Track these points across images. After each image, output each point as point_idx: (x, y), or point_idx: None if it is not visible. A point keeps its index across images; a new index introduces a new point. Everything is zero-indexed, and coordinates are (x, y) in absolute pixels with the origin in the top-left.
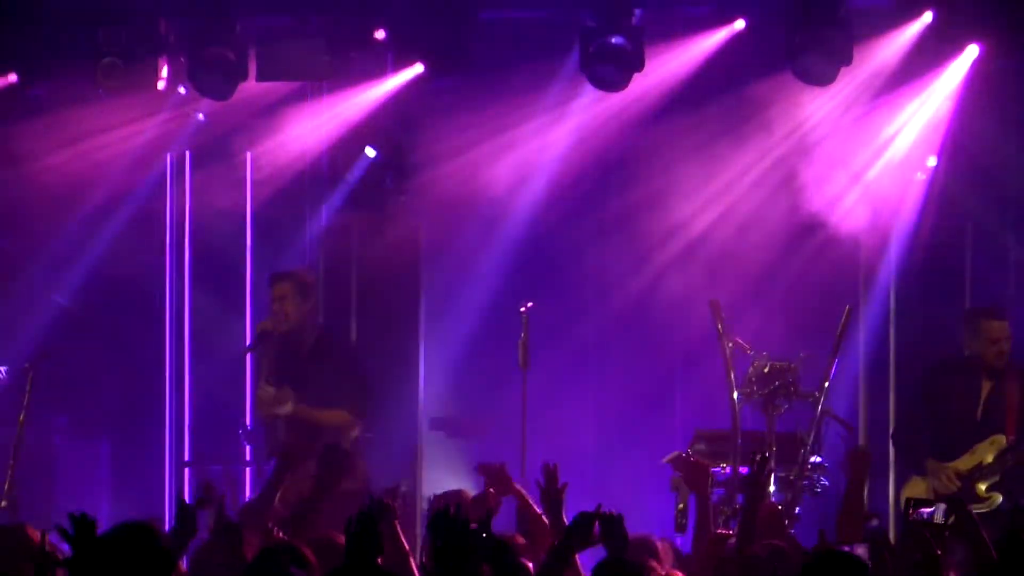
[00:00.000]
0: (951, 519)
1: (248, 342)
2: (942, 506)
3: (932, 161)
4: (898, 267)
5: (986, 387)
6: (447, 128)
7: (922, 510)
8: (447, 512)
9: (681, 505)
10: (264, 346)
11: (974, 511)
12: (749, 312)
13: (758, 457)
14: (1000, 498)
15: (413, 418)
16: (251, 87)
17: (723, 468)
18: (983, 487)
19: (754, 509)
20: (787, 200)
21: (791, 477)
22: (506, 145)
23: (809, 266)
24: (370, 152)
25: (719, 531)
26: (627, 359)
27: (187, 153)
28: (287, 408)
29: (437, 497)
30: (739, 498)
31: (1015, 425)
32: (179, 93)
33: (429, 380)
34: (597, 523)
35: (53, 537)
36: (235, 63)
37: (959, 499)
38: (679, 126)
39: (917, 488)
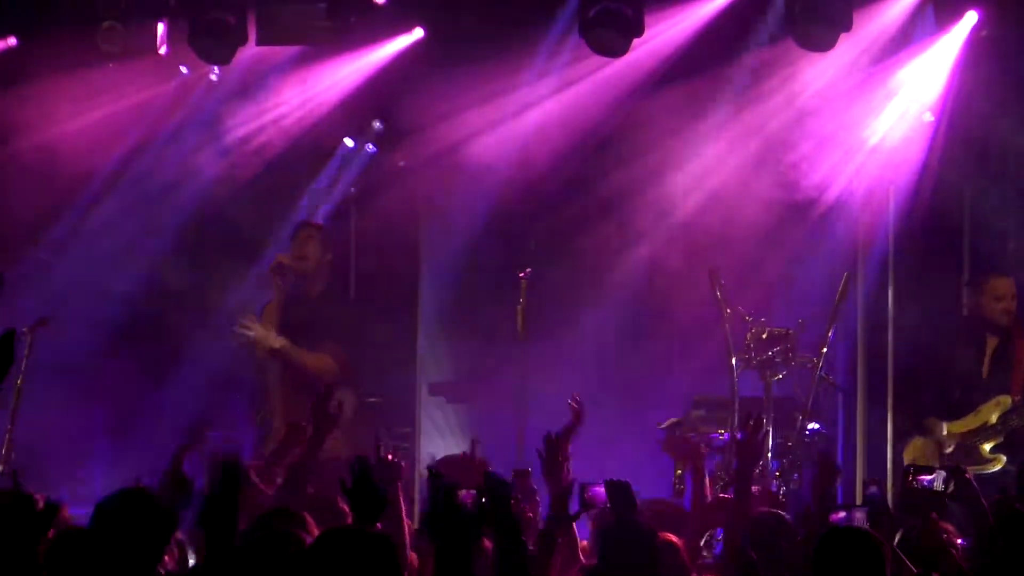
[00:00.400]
0: (951, 486)
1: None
2: (942, 473)
3: (928, 116)
4: (896, 232)
5: (991, 345)
6: (445, 93)
7: (922, 477)
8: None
9: (679, 471)
10: (279, 279)
11: (978, 472)
12: (748, 280)
13: (752, 421)
14: (1004, 459)
15: (411, 383)
16: (251, 51)
17: (721, 434)
18: (987, 448)
19: (748, 473)
20: (785, 168)
21: (788, 443)
22: (505, 110)
23: (808, 233)
24: (372, 121)
25: (720, 495)
26: (626, 326)
27: (189, 120)
28: (278, 342)
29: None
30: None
31: (1021, 384)
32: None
33: (428, 345)
34: (602, 490)
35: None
36: (235, 27)
37: (958, 466)
38: (677, 93)
39: (918, 449)
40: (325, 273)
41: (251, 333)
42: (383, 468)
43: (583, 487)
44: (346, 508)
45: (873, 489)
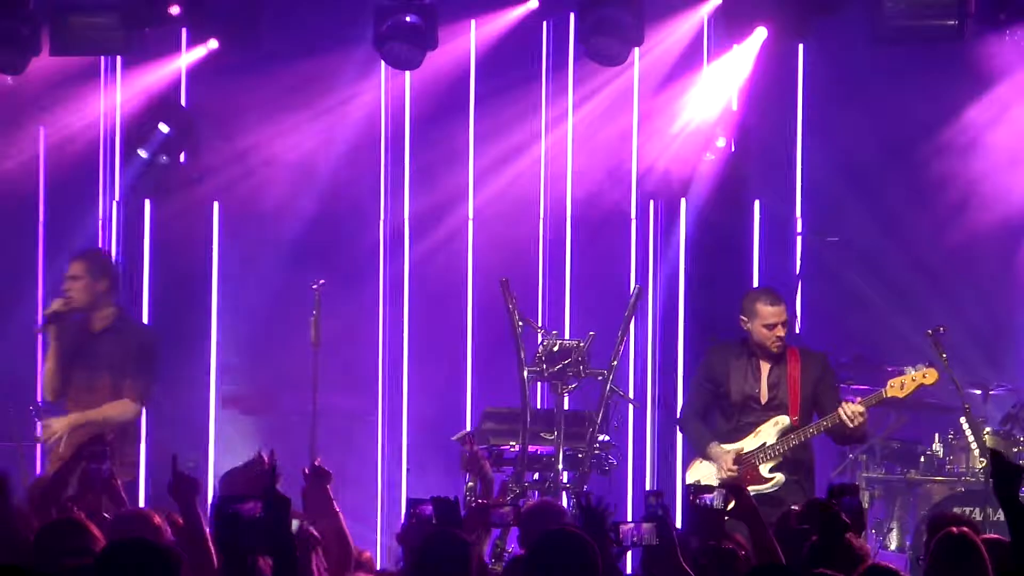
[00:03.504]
0: (731, 504)
1: (39, 322)
2: (721, 492)
3: (722, 142)
4: (688, 247)
5: (765, 367)
6: (241, 104)
7: (703, 496)
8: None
9: (471, 483)
10: (56, 326)
11: (758, 491)
12: (538, 292)
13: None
14: (783, 478)
15: (204, 395)
16: (46, 61)
17: (512, 446)
18: (766, 468)
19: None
20: (580, 179)
21: (579, 455)
22: (301, 121)
23: (600, 246)
24: (164, 128)
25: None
26: (419, 339)
27: None
28: (70, 421)
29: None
30: (527, 475)
31: (798, 405)
32: None
33: (222, 357)
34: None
35: None
36: (28, 37)
37: (737, 485)
38: (467, 106)
39: (700, 471)
40: (104, 303)
41: (57, 434)
42: (182, 484)
43: (412, 502)
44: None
45: (652, 501)
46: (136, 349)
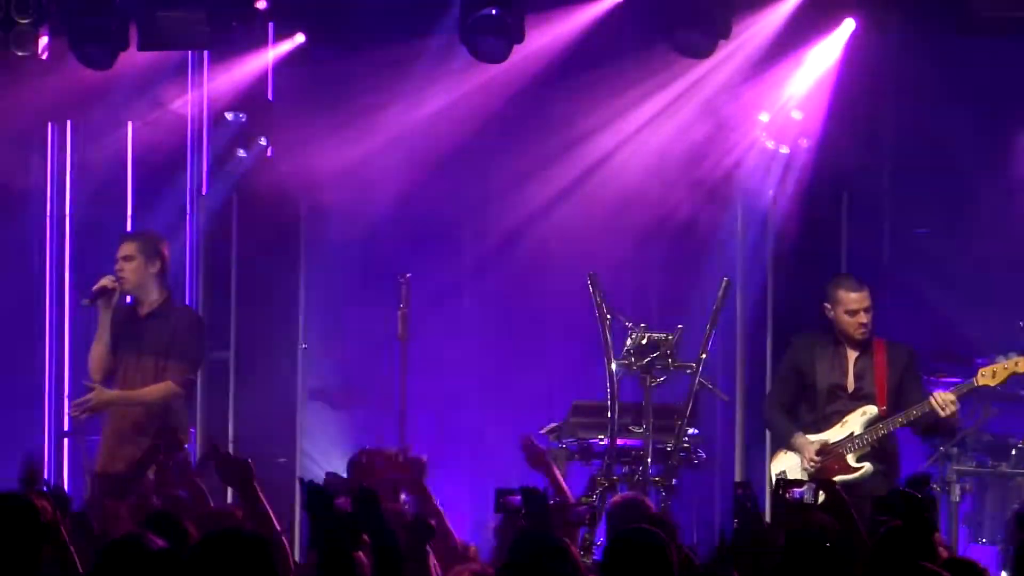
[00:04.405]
0: (821, 498)
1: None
2: (812, 486)
3: (805, 142)
4: (776, 239)
5: (852, 356)
6: (327, 97)
7: (793, 490)
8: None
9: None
10: (104, 305)
11: (845, 481)
12: (628, 285)
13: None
14: (871, 468)
15: (292, 388)
16: (134, 57)
17: (600, 440)
18: (853, 458)
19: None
20: (663, 173)
21: (668, 448)
22: (386, 115)
23: (689, 239)
24: (228, 116)
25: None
26: (506, 331)
27: (68, 123)
28: (111, 395)
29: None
30: (616, 469)
31: (885, 395)
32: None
33: (309, 350)
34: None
35: None
36: (116, 32)
37: (828, 479)
38: (555, 99)
39: (785, 462)
40: (153, 286)
41: (89, 406)
42: (231, 467)
43: (500, 492)
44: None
45: (740, 492)
46: (179, 332)
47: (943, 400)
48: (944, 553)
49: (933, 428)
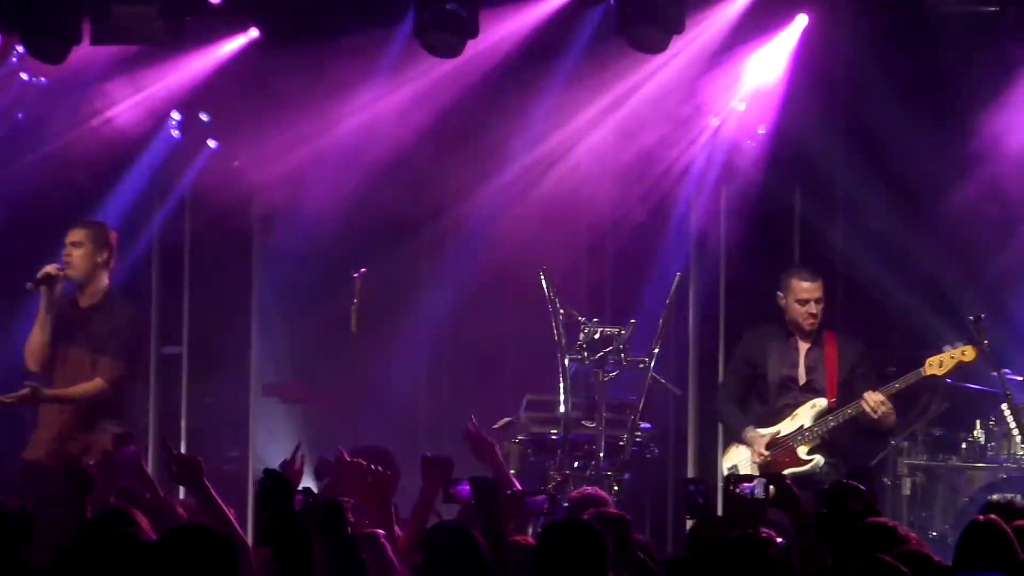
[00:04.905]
0: (770, 492)
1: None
2: (762, 480)
3: (762, 129)
4: (728, 233)
5: (803, 349)
6: (281, 94)
7: (743, 485)
8: (272, 481)
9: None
10: (48, 293)
11: (796, 474)
12: (583, 281)
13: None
14: (822, 460)
15: (244, 384)
16: (86, 51)
17: (553, 434)
18: (804, 450)
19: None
20: (616, 168)
21: (620, 443)
22: (342, 111)
23: (640, 233)
24: (203, 117)
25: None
26: (459, 325)
27: (19, 115)
28: (38, 394)
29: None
30: (569, 463)
31: (836, 388)
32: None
33: (262, 346)
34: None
35: None
36: (69, 26)
37: (778, 474)
38: (509, 95)
39: (736, 456)
40: (99, 276)
41: (9, 402)
42: (184, 466)
43: (448, 482)
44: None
45: (691, 488)
46: (118, 328)
47: (874, 401)
48: (914, 541)
49: (871, 428)
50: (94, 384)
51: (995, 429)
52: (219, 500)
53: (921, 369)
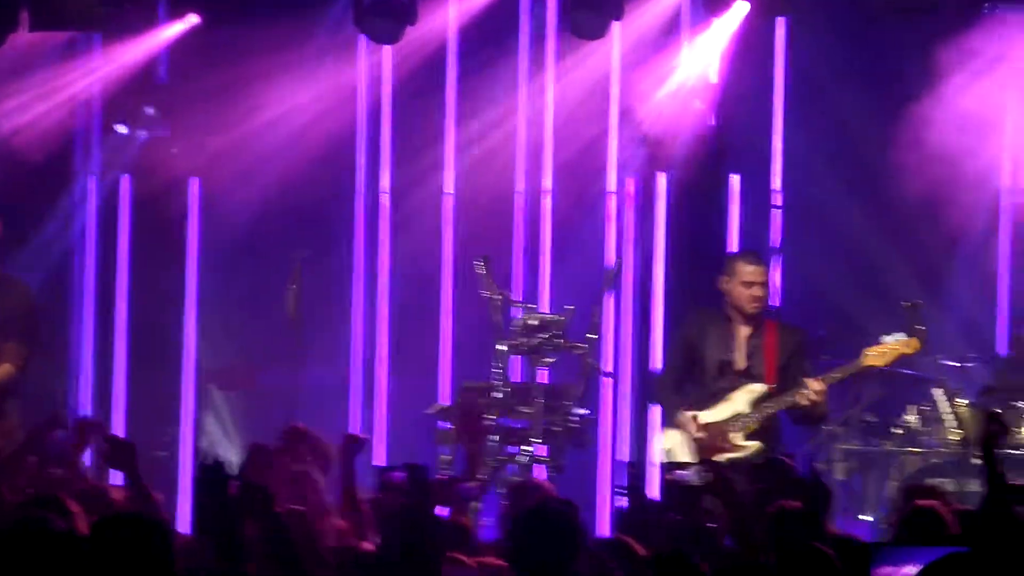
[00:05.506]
0: (706, 479)
1: None
2: (698, 467)
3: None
4: (667, 221)
5: (743, 334)
6: (220, 78)
7: (678, 472)
8: (208, 468)
9: (448, 457)
10: None
11: (732, 459)
12: (521, 268)
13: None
14: (760, 446)
15: (186, 369)
16: (24, 37)
17: (490, 420)
18: (740, 436)
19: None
20: (560, 153)
21: (556, 429)
22: (280, 95)
23: (580, 221)
24: (143, 104)
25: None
26: (395, 311)
27: None
28: None
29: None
30: (505, 449)
31: (774, 375)
32: None
33: (203, 331)
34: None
35: None
36: (7, 12)
37: (712, 460)
38: (445, 80)
39: (670, 440)
40: None
41: None
42: (117, 450)
43: (381, 470)
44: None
45: (628, 472)
46: (19, 310)
47: (813, 389)
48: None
49: (803, 416)
50: (3, 370)
51: (928, 414)
52: (146, 487)
53: (859, 360)
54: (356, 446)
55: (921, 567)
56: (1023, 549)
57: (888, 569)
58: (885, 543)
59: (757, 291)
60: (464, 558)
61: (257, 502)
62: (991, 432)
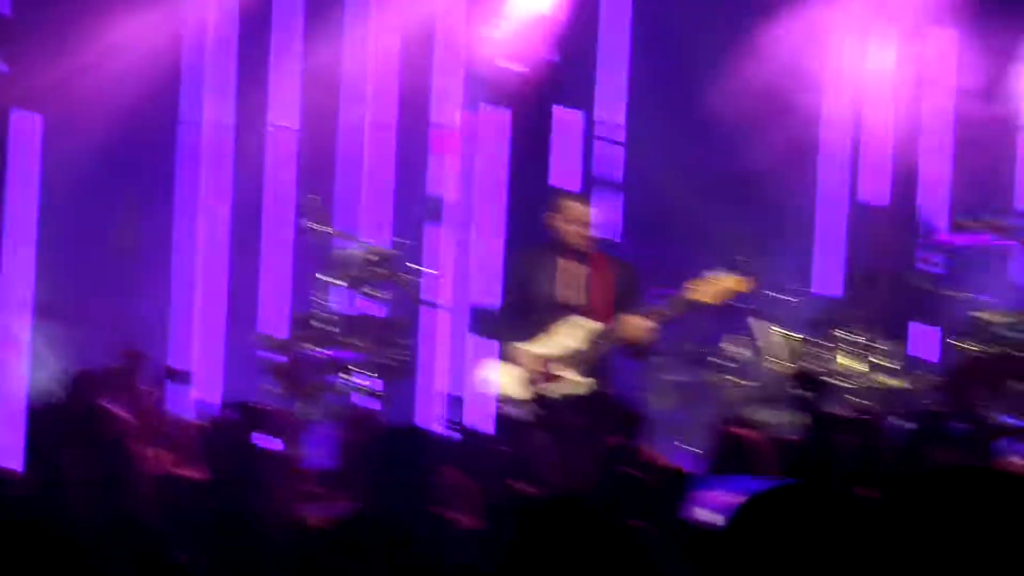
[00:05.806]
0: (537, 413)
1: None
2: (532, 403)
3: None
4: (506, 157)
5: (573, 271)
6: (66, 11)
7: (512, 409)
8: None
9: (275, 389)
10: None
11: (562, 394)
12: (351, 201)
13: None
14: (589, 380)
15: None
16: None
17: (317, 351)
18: (570, 371)
19: None
20: (393, 88)
21: (385, 361)
22: (124, 29)
23: (416, 155)
24: None
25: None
26: (228, 244)
27: None
28: None
29: None
30: (332, 379)
31: (604, 309)
32: None
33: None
34: None
35: None
36: None
37: (543, 395)
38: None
39: (506, 375)
40: None
41: None
42: None
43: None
44: None
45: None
46: None
47: (639, 325)
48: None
49: (633, 351)
50: None
51: (749, 345)
52: None
53: (683, 294)
54: (179, 377)
55: (741, 495)
56: (849, 480)
57: (707, 496)
58: (704, 473)
59: (581, 228)
60: None
61: (82, 429)
62: (804, 372)
